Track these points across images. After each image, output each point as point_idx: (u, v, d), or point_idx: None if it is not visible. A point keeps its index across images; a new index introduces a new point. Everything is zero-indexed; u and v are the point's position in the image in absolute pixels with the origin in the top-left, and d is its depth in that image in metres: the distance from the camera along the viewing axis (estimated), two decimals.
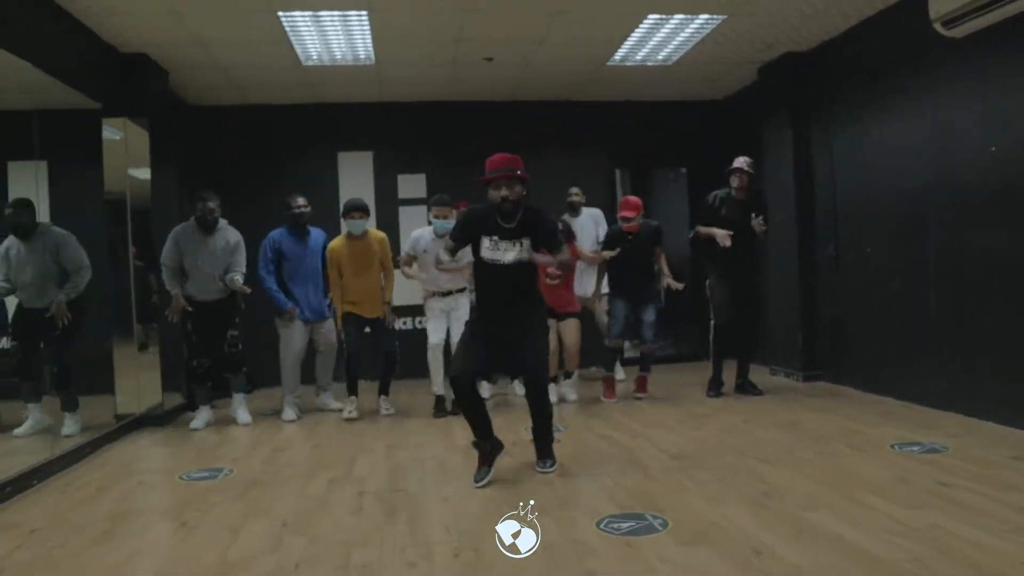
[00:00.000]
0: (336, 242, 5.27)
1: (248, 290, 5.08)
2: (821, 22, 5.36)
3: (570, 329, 5.36)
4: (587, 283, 5.81)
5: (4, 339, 4.90)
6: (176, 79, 5.99)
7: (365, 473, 3.81)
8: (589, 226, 6.15)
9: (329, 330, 5.51)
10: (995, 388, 4.23)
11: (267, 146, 6.94)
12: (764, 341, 6.33)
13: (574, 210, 6.14)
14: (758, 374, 5.78)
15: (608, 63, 6.18)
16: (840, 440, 4.06)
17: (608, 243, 5.47)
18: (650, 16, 5.20)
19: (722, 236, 5.21)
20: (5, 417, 4.76)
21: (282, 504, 3.30)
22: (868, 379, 5.43)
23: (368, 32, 5.26)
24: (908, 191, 4.94)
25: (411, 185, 7.12)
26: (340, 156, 7.14)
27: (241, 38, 5.29)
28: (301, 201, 5.39)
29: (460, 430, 4.23)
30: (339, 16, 4.98)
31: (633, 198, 5.46)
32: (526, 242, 3.60)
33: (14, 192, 4.83)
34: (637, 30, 5.45)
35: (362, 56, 5.78)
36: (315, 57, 5.76)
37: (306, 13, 4.90)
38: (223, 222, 5.17)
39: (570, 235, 5.26)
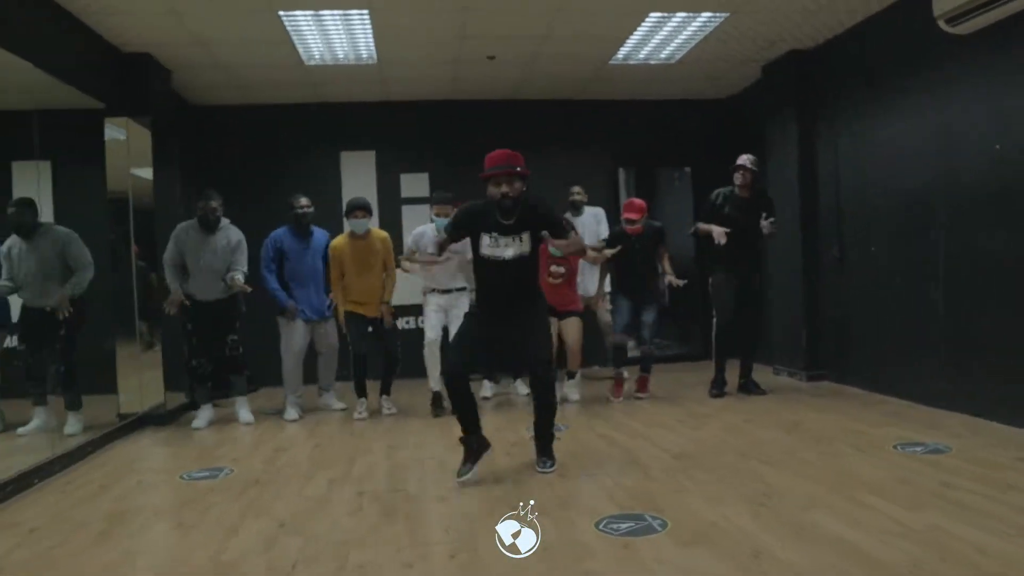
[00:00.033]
0: (339, 241, 5.26)
1: (248, 289, 5.08)
2: (824, 19, 5.33)
3: (572, 328, 5.35)
4: (589, 282, 5.80)
5: (10, 338, 4.91)
6: (178, 79, 6.00)
7: (365, 473, 3.80)
8: (591, 225, 6.14)
9: (330, 331, 5.51)
10: (1000, 388, 4.19)
11: (270, 146, 6.95)
12: (767, 340, 6.30)
13: (576, 209, 6.13)
14: (761, 373, 5.75)
15: (611, 62, 6.16)
16: (842, 440, 4.03)
17: (610, 244, 5.45)
18: (652, 14, 5.18)
19: (718, 233, 5.18)
20: (10, 416, 4.78)
21: (281, 504, 3.30)
22: (872, 379, 5.40)
23: (370, 31, 5.26)
24: (913, 190, 4.91)
25: (414, 184, 7.12)
26: (343, 155, 7.14)
27: (242, 38, 5.29)
28: (304, 201, 5.39)
29: (460, 430, 4.22)
30: (340, 15, 4.98)
31: (638, 200, 5.45)
32: (526, 236, 3.58)
33: (18, 192, 4.83)
34: (639, 28, 5.44)
35: (364, 55, 5.78)
36: (317, 57, 5.76)
37: (307, 12, 4.90)
38: (225, 221, 5.17)
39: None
